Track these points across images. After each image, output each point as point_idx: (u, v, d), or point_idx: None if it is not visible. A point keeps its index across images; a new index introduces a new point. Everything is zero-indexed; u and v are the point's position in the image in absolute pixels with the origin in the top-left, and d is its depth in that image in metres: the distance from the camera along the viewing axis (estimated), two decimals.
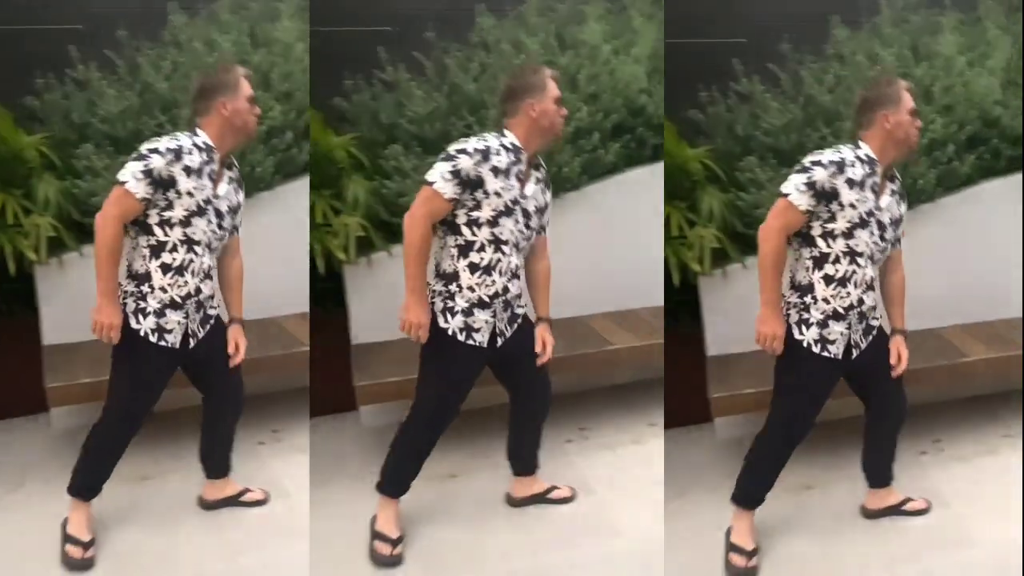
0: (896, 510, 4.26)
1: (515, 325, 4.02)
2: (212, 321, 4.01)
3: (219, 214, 3.87)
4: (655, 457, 4.48)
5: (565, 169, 4.94)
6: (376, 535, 4.04)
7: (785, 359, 3.85)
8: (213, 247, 3.89)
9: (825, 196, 3.74)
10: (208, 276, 3.91)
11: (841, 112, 4.91)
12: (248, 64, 4.63)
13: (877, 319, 3.96)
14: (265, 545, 4.11)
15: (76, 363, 4.49)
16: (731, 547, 4.02)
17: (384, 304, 4.31)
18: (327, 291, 4.78)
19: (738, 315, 4.33)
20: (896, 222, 3.89)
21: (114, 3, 4.86)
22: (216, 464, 4.28)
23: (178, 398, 4.26)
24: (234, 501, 4.32)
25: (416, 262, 3.77)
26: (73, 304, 4.31)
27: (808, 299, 3.82)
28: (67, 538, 3.95)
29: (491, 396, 4.39)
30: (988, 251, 5.02)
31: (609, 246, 5.10)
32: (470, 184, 3.77)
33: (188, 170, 3.75)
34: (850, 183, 3.74)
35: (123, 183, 3.69)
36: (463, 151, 3.77)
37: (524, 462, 4.33)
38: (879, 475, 4.26)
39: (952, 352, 4.82)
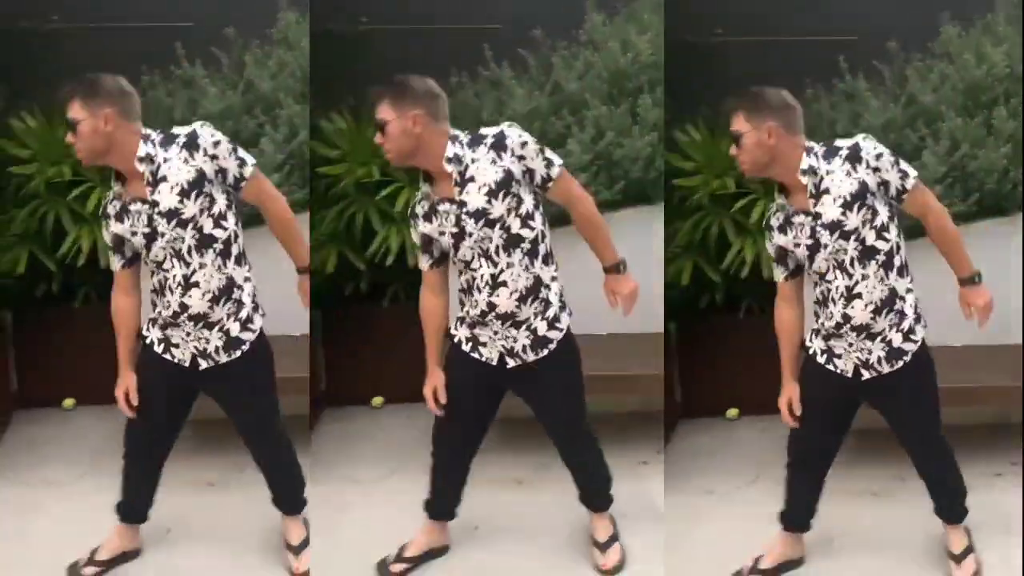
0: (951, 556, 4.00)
1: (542, 351, 3.77)
2: (244, 347, 3.75)
3: (170, 215, 3.60)
4: None
5: None
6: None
7: (802, 371, 3.80)
8: (184, 249, 3.62)
9: (782, 255, 3.71)
10: (194, 285, 3.65)
11: (943, 112, 4.89)
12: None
13: (913, 341, 3.67)
14: None
15: None
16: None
17: None
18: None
19: None
20: (858, 196, 3.53)
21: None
22: (277, 498, 4.05)
23: None
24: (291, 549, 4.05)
25: (427, 334, 3.82)
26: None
27: (814, 319, 3.73)
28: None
29: None
30: None
31: None
32: (427, 243, 3.75)
33: (119, 216, 3.66)
34: (781, 229, 3.66)
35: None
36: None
37: (585, 498, 4.12)
38: (944, 509, 3.99)
39: None
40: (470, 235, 3.62)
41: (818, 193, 3.56)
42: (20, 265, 4.72)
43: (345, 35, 5.09)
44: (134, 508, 3.98)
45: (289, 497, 4.03)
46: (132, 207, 3.62)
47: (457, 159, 3.61)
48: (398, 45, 5.10)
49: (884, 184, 3.55)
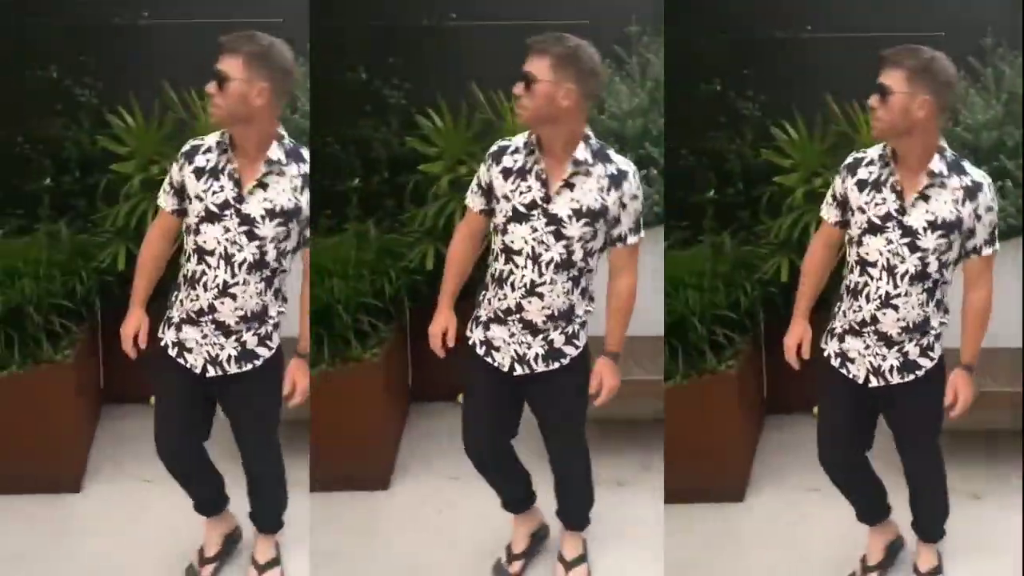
0: None
1: (554, 364, 3.64)
2: (257, 362, 3.62)
3: (246, 220, 3.48)
4: None
5: None
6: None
7: (816, 370, 3.73)
8: (238, 260, 3.49)
9: (844, 203, 3.58)
10: (230, 296, 3.51)
11: None
12: None
13: (930, 358, 3.59)
14: None
15: None
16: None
17: None
18: None
19: None
20: (947, 226, 3.44)
21: None
22: (256, 514, 3.96)
23: None
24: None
25: (448, 274, 3.72)
26: None
27: (836, 308, 3.65)
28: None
29: None
30: None
31: None
32: (488, 191, 3.59)
33: (200, 172, 3.49)
34: (861, 184, 3.52)
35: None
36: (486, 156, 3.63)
37: (562, 513, 4.04)
38: (921, 527, 3.97)
39: None
40: (533, 229, 3.50)
41: (920, 195, 3.48)
42: (120, 261, 4.69)
43: (434, 31, 5.07)
44: (207, 501, 3.93)
45: (269, 515, 3.94)
46: (223, 179, 3.48)
47: (579, 163, 3.50)
48: (486, 41, 5.07)
49: (972, 233, 3.49)
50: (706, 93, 4.89)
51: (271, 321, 3.62)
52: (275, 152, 3.48)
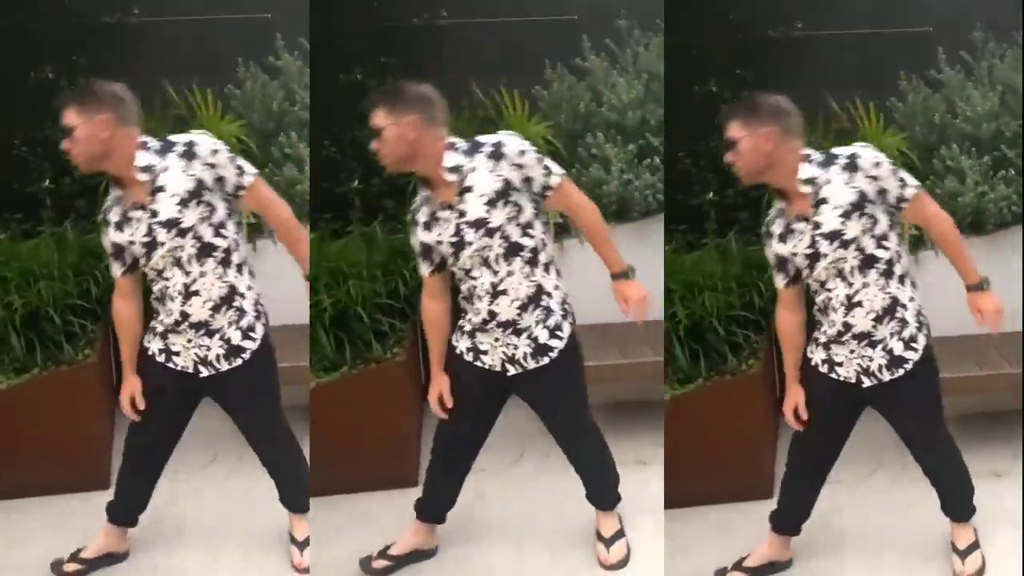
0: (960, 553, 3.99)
1: (543, 359, 3.75)
2: (245, 355, 3.72)
3: (169, 224, 3.59)
4: None
5: None
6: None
7: (803, 380, 3.78)
8: (185, 258, 3.62)
9: (780, 262, 3.68)
10: (194, 294, 3.65)
11: None
12: None
13: (914, 349, 3.63)
14: None
15: None
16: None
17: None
18: None
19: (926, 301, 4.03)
20: (856, 206, 3.52)
21: None
22: (282, 496, 4.03)
23: None
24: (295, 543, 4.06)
25: (432, 340, 3.84)
26: (264, 289, 3.96)
27: (817, 327, 3.71)
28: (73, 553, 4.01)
29: None
30: None
31: None
32: (426, 250, 3.73)
33: (118, 225, 3.65)
34: (781, 238, 3.64)
35: None
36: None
37: (591, 496, 4.11)
38: (950, 508, 3.98)
39: None
40: (470, 244, 3.63)
41: (817, 202, 3.55)
42: None
43: (425, 30, 5.03)
44: (125, 511, 3.99)
45: (292, 496, 4.01)
46: (132, 214, 3.62)
47: (457, 168, 3.61)
48: (478, 38, 5.05)
49: (883, 192, 3.55)
50: (701, 95, 4.90)
51: (249, 308, 3.72)
52: (143, 160, 3.61)
